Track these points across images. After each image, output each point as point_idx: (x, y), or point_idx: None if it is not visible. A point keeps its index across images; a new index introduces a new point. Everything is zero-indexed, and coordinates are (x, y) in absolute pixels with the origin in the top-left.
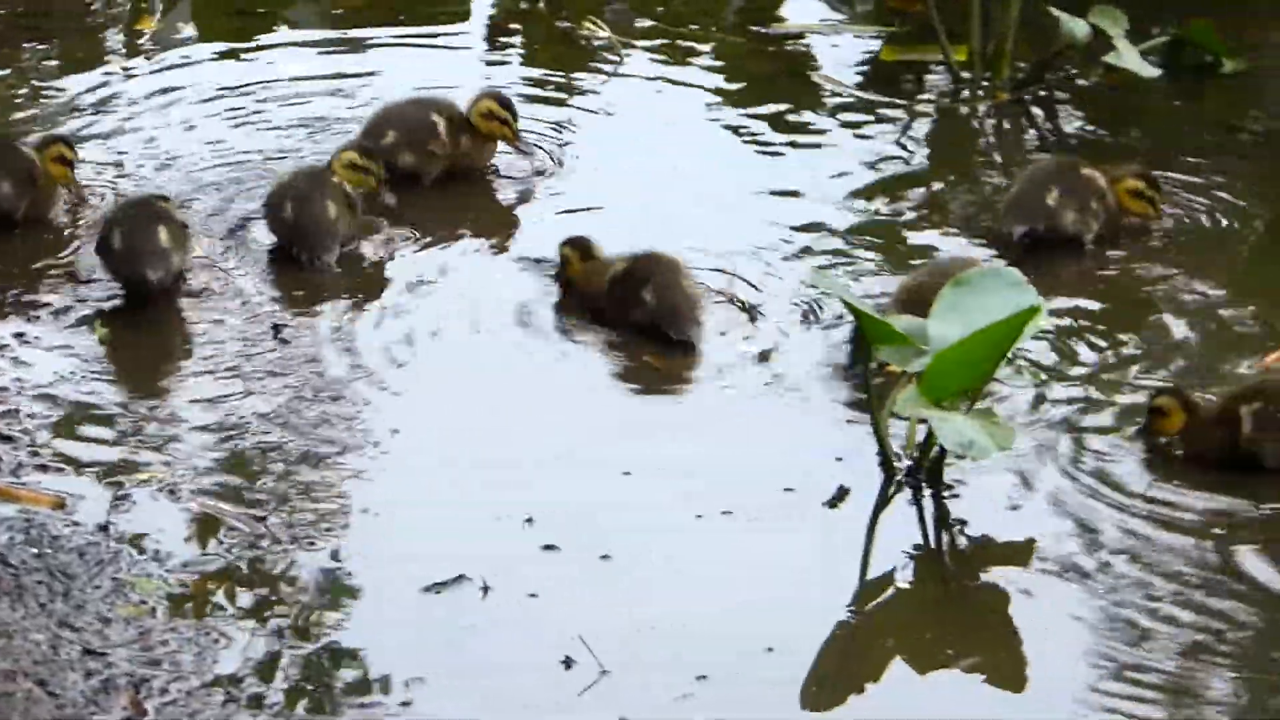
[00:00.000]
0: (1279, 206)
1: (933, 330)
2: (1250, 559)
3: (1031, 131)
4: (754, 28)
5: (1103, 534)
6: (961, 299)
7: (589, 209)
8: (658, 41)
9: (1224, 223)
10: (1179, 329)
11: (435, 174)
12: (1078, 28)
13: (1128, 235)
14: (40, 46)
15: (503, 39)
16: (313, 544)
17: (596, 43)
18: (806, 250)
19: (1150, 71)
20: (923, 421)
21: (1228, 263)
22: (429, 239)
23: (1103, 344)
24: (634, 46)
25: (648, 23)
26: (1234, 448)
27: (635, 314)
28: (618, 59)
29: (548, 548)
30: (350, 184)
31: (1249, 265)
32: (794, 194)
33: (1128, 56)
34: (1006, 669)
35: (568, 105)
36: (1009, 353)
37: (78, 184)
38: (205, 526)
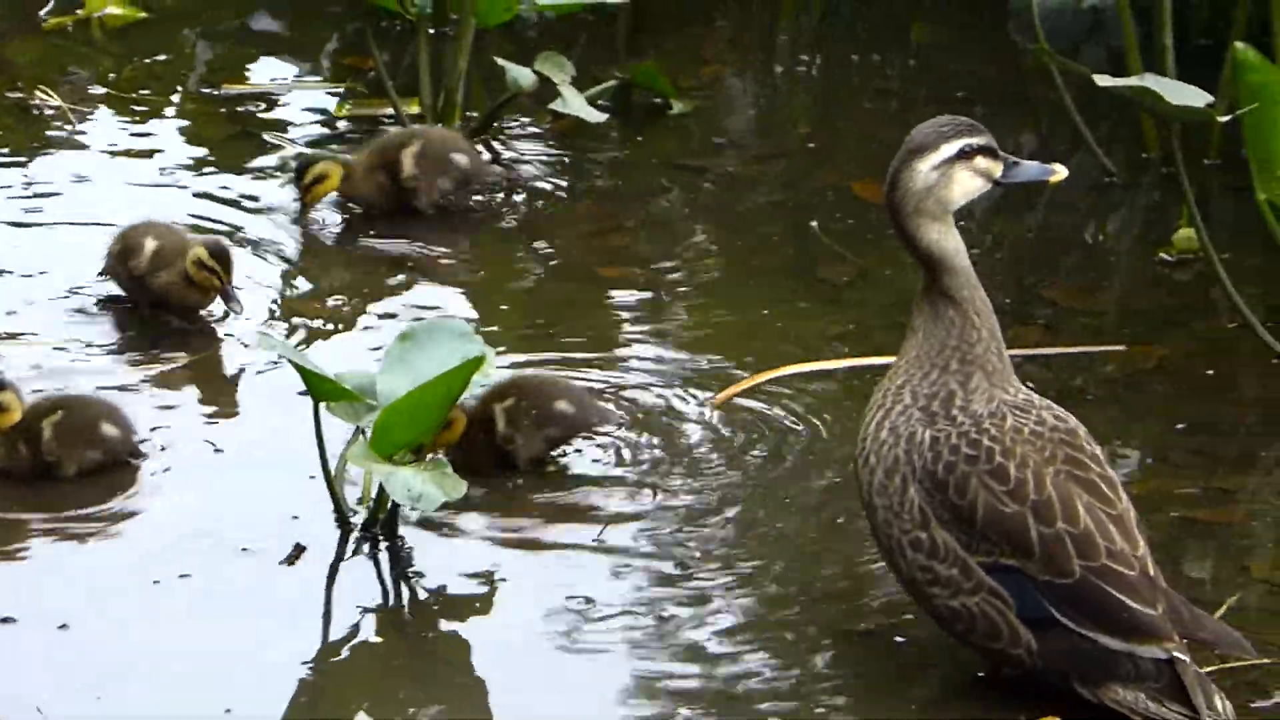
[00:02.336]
0: (731, 242)
1: (381, 385)
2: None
3: None
4: (206, 90)
5: (562, 573)
6: (408, 352)
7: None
8: (114, 109)
9: (678, 261)
10: (633, 374)
11: None
12: (523, 76)
13: None
14: None
15: None
16: None
17: (49, 112)
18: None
19: (595, 116)
20: None
21: (686, 299)
22: None
23: None
24: (90, 115)
25: (102, 90)
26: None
27: None
28: (72, 127)
29: (4, 620)
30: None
31: (707, 303)
32: (260, 257)
33: (573, 102)
34: (470, 717)
35: (24, 179)
36: (457, 401)
37: None
38: None
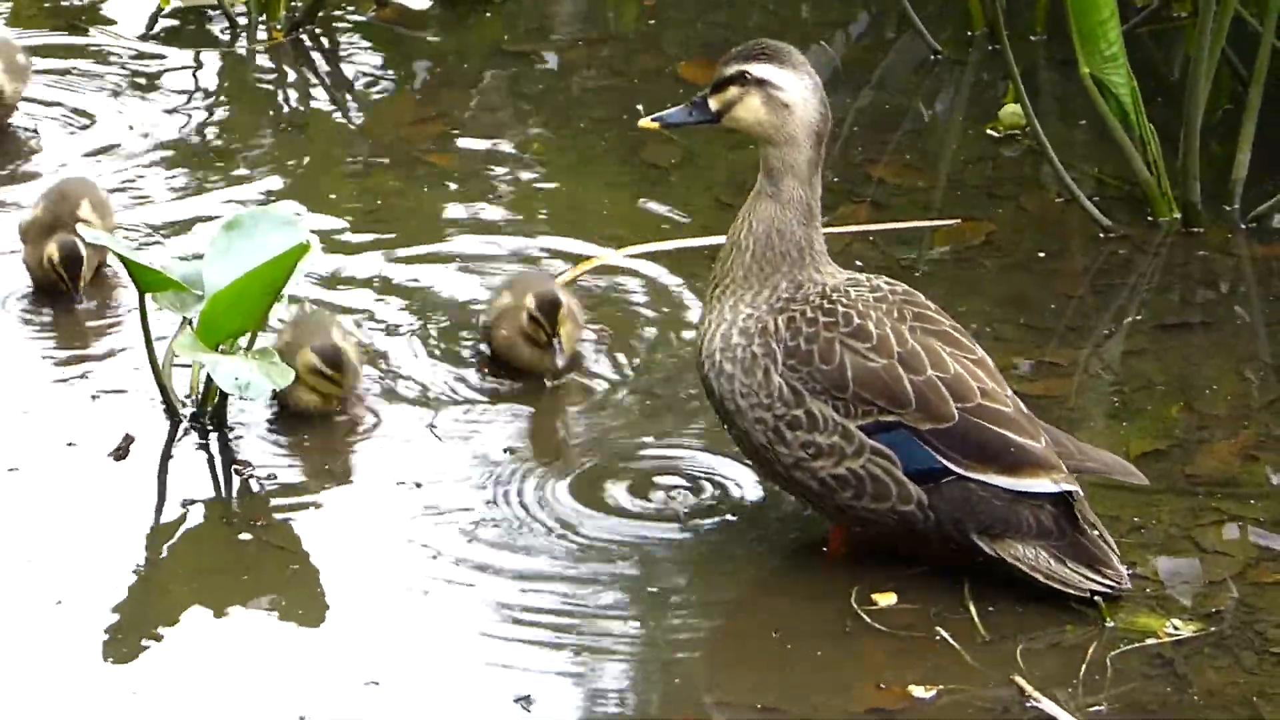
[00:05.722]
0: (559, 127)
1: (207, 275)
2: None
3: (310, 70)
4: None
5: (393, 460)
6: (234, 241)
7: None
8: None
9: (506, 148)
10: (466, 259)
11: None
12: None
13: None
14: None
15: None
16: None
17: None
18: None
19: (420, 2)
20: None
21: (516, 184)
22: None
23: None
24: None
25: None
26: None
27: None
28: None
29: None
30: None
31: (537, 189)
32: (88, 155)
33: None
34: (304, 603)
35: None
36: (283, 290)
37: None
38: None
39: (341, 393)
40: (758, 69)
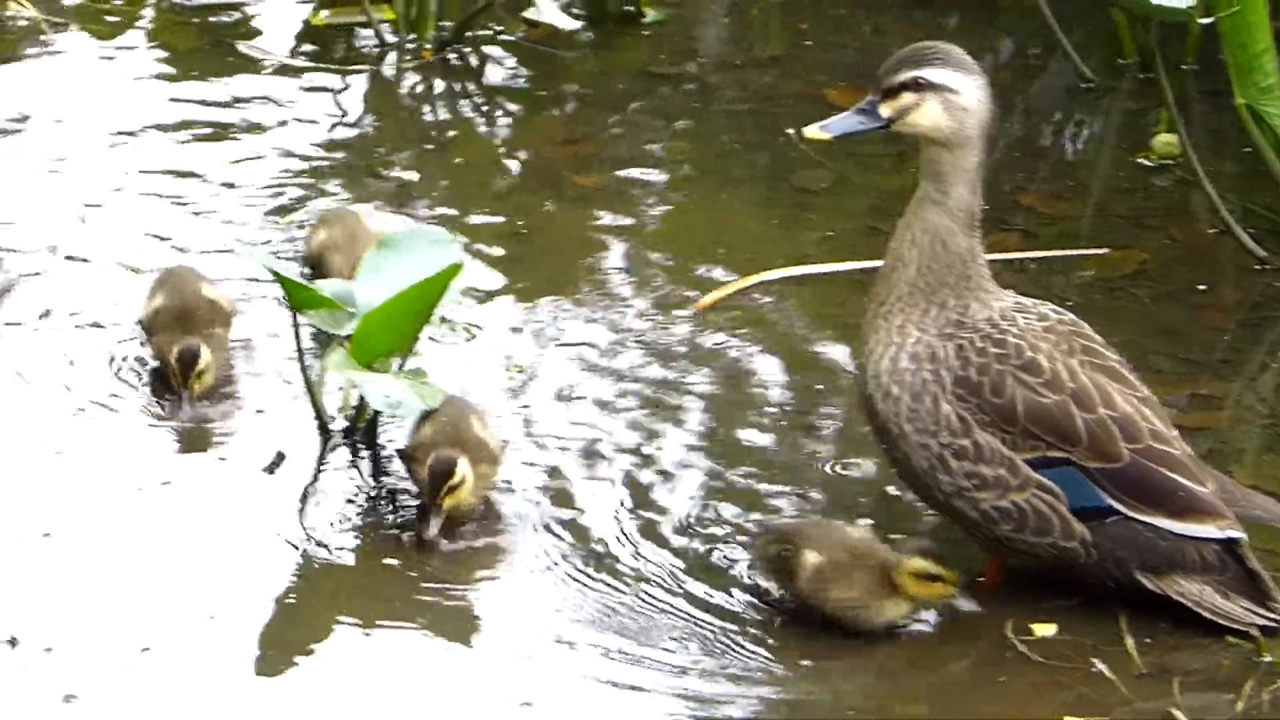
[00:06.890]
0: (706, 151)
1: (360, 294)
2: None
3: (458, 89)
4: (178, 0)
5: (543, 480)
6: (385, 261)
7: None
8: (87, 20)
9: (652, 170)
10: (614, 279)
11: None
12: None
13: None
14: None
15: None
16: None
17: (22, 23)
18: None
19: (570, 24)
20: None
21: (662, 206)
22: None
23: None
24: (64, 26)
25: (75, 1)
26: None
27: None
28: (47, 40)
29: None
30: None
31: (684, 211)
32: (238, 171)
33: (547, 10)
34: (452, 621)
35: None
36: (436, 310)
37: None
38: None
39: (953, 593)
40: (933, 74)
